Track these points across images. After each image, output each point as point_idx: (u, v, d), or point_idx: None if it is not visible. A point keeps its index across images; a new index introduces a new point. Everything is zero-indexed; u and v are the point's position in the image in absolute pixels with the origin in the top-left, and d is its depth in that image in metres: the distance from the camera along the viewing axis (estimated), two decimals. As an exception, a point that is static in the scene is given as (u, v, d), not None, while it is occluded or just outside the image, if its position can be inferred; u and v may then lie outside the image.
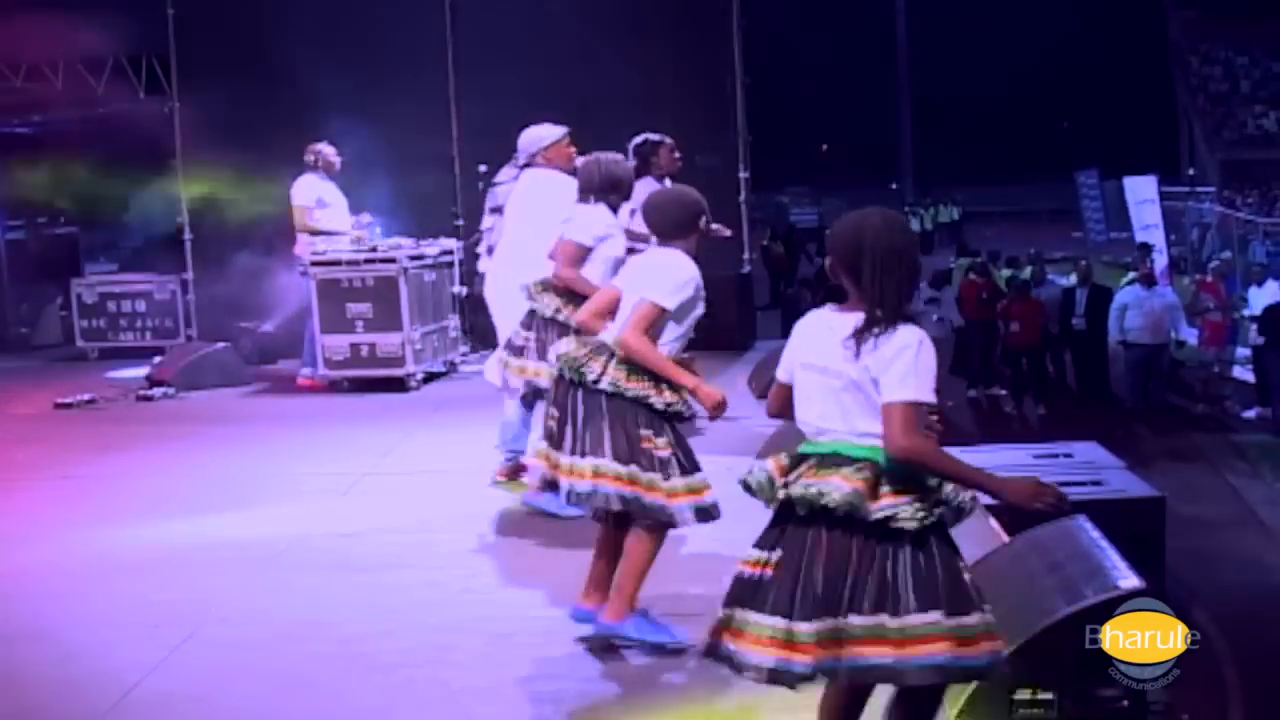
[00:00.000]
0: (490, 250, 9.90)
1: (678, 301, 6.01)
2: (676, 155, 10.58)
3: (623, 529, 6.12)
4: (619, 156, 8.15)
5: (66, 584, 7.59)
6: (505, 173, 10.29)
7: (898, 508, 4.25)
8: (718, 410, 6.00)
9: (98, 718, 5.74)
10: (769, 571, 4.35)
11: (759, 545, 4.44)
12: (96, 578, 7.67)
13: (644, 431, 5.91)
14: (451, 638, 6.53)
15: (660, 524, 5.97)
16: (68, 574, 7.75)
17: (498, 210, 9.99)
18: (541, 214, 8.50)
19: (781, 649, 4.27)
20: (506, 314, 8.72)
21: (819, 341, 4.50)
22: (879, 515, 4.24)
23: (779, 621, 4.28)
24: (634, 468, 5.87)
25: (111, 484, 9.99)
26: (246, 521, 8.73)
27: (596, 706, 5.73)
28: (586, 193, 7.95)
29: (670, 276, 6.04)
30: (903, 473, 4.30)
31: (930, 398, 4.32)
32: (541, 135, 9.09)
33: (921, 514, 4.26)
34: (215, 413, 12.80)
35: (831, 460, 4.36)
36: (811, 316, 4.61)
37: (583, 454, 5.95)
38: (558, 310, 7.88)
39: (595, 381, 5.93)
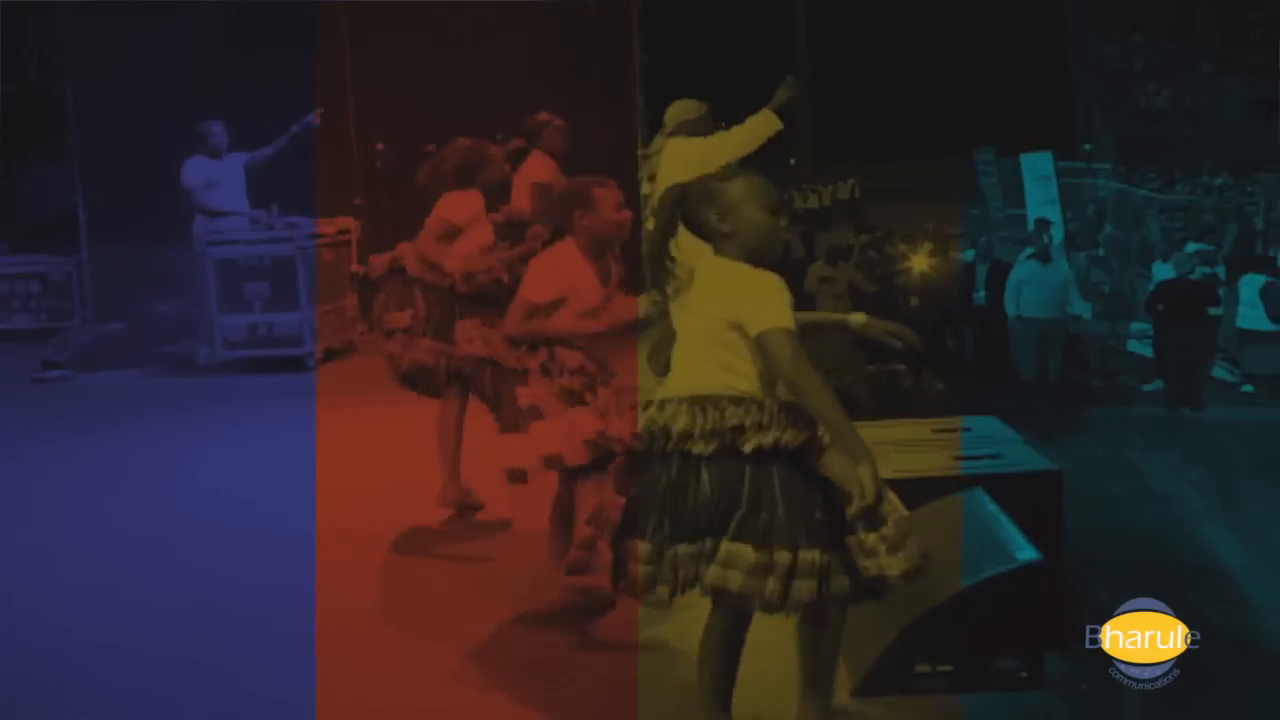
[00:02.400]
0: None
1: None
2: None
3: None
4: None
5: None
6: (655, 143, 10.62)
7: None
8: None
9: (-10, 707, 5.67)
10: None
11: None
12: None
13: None
14: (361, 618, 6.50)
15: None
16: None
17: (652, 179, 10.48)
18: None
19: None
20: None
21: None
22: None
23: None
24: None
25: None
26: (147, 504, 8.64)
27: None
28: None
29: None
30: None
31: None
32: (686, 109, 9.89)
33: None
34: (113, 395, 12.62)
35: None
36: None
37: None
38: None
39: None
